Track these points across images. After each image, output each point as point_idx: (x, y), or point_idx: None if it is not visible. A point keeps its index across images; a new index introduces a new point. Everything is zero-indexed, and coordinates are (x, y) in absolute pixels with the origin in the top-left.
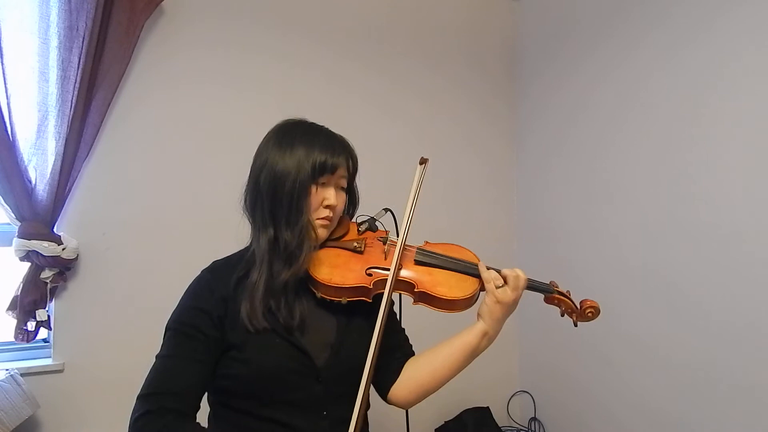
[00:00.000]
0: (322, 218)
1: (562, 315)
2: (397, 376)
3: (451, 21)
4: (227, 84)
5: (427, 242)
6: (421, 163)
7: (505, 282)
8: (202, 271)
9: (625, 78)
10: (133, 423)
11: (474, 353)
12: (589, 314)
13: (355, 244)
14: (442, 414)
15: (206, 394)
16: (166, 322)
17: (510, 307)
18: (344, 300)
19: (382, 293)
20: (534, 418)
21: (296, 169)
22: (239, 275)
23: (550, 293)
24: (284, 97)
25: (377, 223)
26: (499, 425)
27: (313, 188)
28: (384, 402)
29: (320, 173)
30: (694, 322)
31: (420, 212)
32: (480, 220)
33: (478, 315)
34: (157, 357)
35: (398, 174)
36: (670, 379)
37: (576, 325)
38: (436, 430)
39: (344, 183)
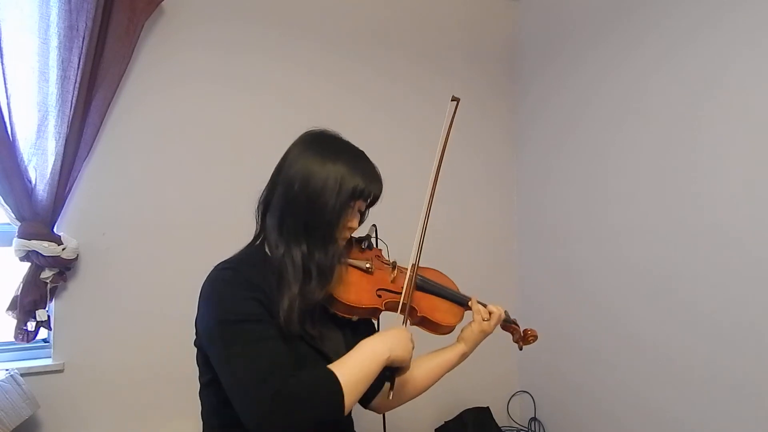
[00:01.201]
0: (342, 239)
1: (514, 341)
2: (380, 388)
3: (451, 21)
4: (227, 84)
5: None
6: (452, 100)
7: (490, 316)
8: (226, 269)
9: (625, 78)
10: (266, 414)
11: (450, 369)
12: (530, 340)
13: (367, 265)
14: (442, 414)
15: (215, 395)
16: (211, 324)
17: (486, 336)
18: (355, 317)
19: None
20: (534, 418)
21: (338, 188)
22: (276, 278)
23: (508, 322)
24: (284, 97)
25: (372, 239)
26: (499, 425)
27: (349, 210)
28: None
29: (357, 198)
30: (694, 322)
31: (418, 214)
32: (480, 220)
33: (460, 338)
34: (232, 356)
35: (398, 174)
36: (670, 379)
37: (521, 349)
38: (436, 430)
39: (363, 207)
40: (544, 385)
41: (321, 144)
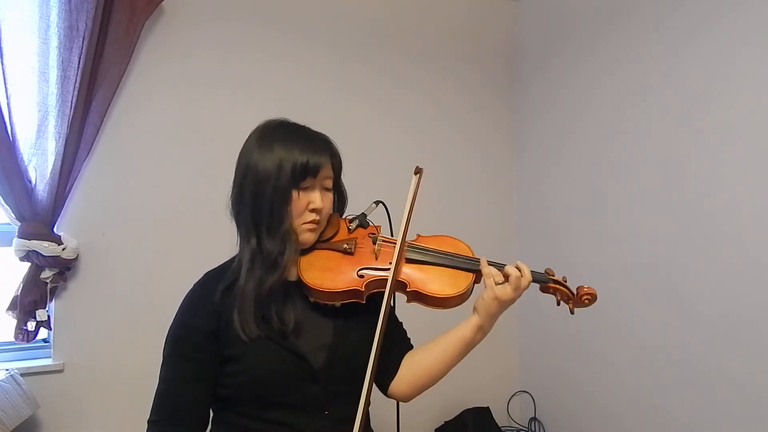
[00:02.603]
0: (309, 222)
1: (558, 303)
2: (396, 372)
3: (451, 21)
4: (227, 84)
5: (419, 236)
6: (416, 173)
7: (506, 279)
8: (194, 285)
9: (626, 78)
10: None
11: (469, 346)
12: (586, 300)
13: (345, 245)
14: (442, 414)
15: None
16: (167, 334)
17: (507, 305)
18: (337, 303)
19: (376, 293)
20: (534, 418)
21: (276, 173)
22: (225, 285)
23: (545, 282)
24: (283, 97)
25: (368, 218)
26: (499, 425)
27: (295, 194)
28: (385, 397)
29: (302, 177)
30: (694, 322)
31: (419, 213)
32: (480, 221)
33: (474, 308)
34: (159, 378)
35: (398, 175)
36: (671, 379)
37: (572, 312)
38: (436, 430)
39: (329, 183)
40: (544, 385)
41: (262, 135)
